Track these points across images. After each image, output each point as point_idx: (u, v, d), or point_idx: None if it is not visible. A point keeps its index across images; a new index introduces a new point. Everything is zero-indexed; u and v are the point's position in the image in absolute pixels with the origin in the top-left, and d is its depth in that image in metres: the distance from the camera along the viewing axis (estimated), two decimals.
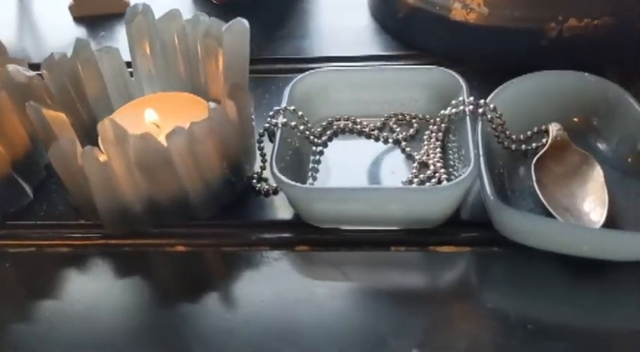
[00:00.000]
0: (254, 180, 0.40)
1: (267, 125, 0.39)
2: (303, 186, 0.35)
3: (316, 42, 0.54)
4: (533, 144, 0.39)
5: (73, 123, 0.39)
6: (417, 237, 0.36)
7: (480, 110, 0.37)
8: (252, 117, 0.40)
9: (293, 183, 0.34)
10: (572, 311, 0.32)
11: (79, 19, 0.60)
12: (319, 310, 0.34)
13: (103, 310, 0.35)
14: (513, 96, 0.39)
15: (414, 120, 0.42)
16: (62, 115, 0.36)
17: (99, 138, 0.35)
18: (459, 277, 0.35)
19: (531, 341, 0.31)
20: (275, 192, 0.39)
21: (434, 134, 0.40)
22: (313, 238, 0.37)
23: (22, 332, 0.34)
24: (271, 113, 0.39)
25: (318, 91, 0.42)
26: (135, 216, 0.36)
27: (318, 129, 0.42)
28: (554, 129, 0.38)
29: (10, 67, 0.38)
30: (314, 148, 0.41)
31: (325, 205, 0.36)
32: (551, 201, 0.35)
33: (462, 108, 0.38)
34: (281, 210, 0.39)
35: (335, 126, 0.43)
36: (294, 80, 0.41)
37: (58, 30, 0.59)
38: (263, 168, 0.40)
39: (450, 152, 0.40)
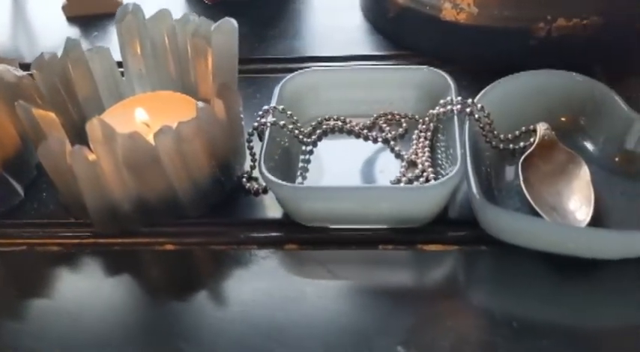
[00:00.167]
0: (244, 180, 0.40)
1: (256, 124, 0.39)
2: (291, 185, 0.35)
3: (308, 42, 0.54)
4: (521, 144, 0.39)
5: (63, 122, 0.39)
6: (404, 236, 0.36)
7: (468, 109, 0.37)
8: (242, 116, 0.40)
9: (281, 182, 0.35)
10: (558, 309, 0.33)
11: (72, 19, 0.60)
12: (307, 308, 0.34)
13: (93, 308, 0.35)
14: (501, 95, 0.39)
15: (403, 120, 0.43)
16: (52, 115, 0.36)
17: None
18: (446, 275, 0.35)
19: (516, 339, 0.31)
20: (265, 191, 0.40)
21: (423, 133, 0.41)
22: (302, 237, 0.37)
23: (13, 331, 0.34)
24: (260, 112, 0.39)
25: (307, 91, 0.42)
26: (124, 215, 0.37)
27: (308, 129, 0.43)
28: (541, 128, 0.39)
29: (0, 67, 0.38)
30: (303, 147, 0.42)
31: (313, 204, 0.36)
32: (537, 200, 0.35)
33: (449, 107, 0.38)
34: (271, 209, 0.39)
35: (325, 126, 0.43)
36: (284, 80, 0.42)
37: (52, 30, 0.59)
38: (253, 167, 0.40)
39: (439, 151, 0.40)
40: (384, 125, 0.43)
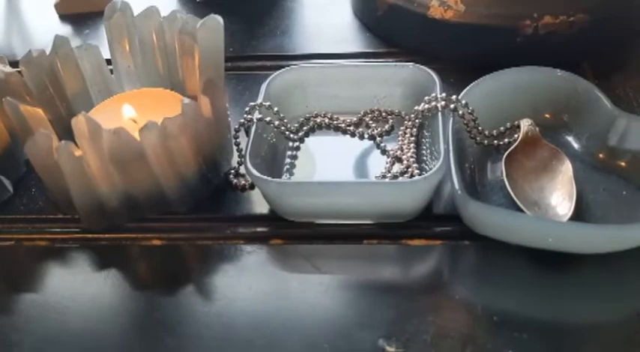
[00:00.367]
0: (231, 176, 0.40)
1: (242, 121, 0.39)
2: (276, 180, 0.35)
3: (299, 39, 0.55)
4: (506, 140, 0.40)
5: (52, 119, 0.39)
6: (389, 231, 0.37)
7: (452, 106, 0.38)
8: (228, 113, 0.40)
9: (265, 177, 0.35)
10: (538, 303, 0.33)
11: (64, 17, 0.60)
12: (291, 303, 0.34)
13: (80, 303, 0.35)
14: (485, 92, 0.39)
15: (389, 117, 0.43)
16: (39, 111, 0.36)
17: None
18: (429, 270, 0.36)
19: (496, 333, 0.32)
20: (252, 187, 0.40)
21: (408, 130, 0.41)
22: (287, 232, 0.38)
23: (0, 325, 0.35)
24: (247, 109, 0.39)
25: (294, 88, 0.43)
26: (111, 210, 0.37)
27: (295, 125, 0.43)
28: (525, 124, 0.39)
29: None
30: (290, 144, 0.42)
31: (298, 199, 0.36)
32: (520, 195, 0.36)
33: (434, 104, 0.38)
34: (257, 204, 0.39)
35: (312, 123, 0.43)
36: (271, 77, 0.42)
37: (44, 27, 0.60)
38: (240, 163, 0.41)
39: (424, 147, 0.40)
40: (371, 122, 0.43)
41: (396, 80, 0.42)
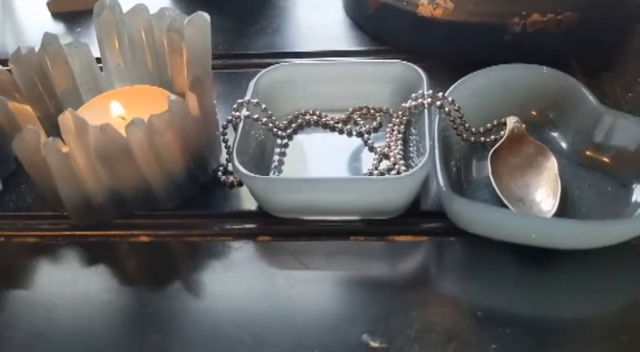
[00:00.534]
0: (219, 173, 0.41)
1: (230, 118, 0.39)
2: (262, 177, 0.36)
3: (290, 37, 0.55)
4: (492, 137, 0.40)
5: (41, 117, 0.39)
6: (376, 227, 0.37)
7: (438, 103, 0.38)
8: (216, 110, 0.40)
9: (251, 174, 0.35)
10: (522, 298, 0.33)
11: (56, 15, 0.60)
12: (277, 299, 0.34)
13: (68, 299, 0.35)
14: (472, 89, 0.40)
15: (377, 114, 0.43)
16: (27, 108, 0.37)
17: None
18: (415, 266, 0.36)
19: (480, 328, 0.32)
20: (240, 184, 0.40)
21: (396, 127, 0.41)
22: (275, 229, 0.38)
23: None
24: (235, 106, 0.40)
25: (283, 85, 0.43)
26: (98, 206, 0.37)
27: (284, 122, 0.43)
28: (511, 121, 0.39)
29: None
30: (279, 141, 0.42)
31: (285, 196, 0.36)
32: (505, 192, 0.36)
33: (420, 101, 0.38)
34: (245, 201, 0.39)
35: (300, 120, 0.43)
36: (259, 74, 0.42)
37: (37, 26, 0.60)
38: (228, 160, 0.41)
39: (411, 144, 0.40)
40: (359, 119, 0.43)
41: (384, 77, 0.42)
